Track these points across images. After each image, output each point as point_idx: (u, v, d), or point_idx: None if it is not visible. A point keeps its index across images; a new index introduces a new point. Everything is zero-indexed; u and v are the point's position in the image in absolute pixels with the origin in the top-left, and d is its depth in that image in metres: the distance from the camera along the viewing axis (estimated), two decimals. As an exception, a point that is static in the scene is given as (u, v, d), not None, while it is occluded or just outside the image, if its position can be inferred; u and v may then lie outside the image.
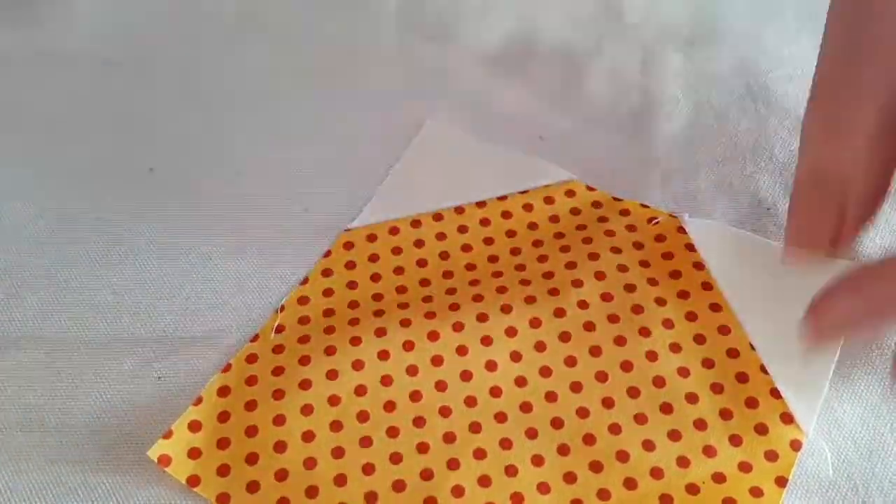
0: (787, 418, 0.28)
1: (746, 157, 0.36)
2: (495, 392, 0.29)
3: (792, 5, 0.43)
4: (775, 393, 0.28)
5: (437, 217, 0.34)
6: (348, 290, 0.32)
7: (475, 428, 0.28)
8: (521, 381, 0.29)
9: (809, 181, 0.27)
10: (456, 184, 0.35)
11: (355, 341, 0.30)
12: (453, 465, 0.27)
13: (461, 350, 0.29)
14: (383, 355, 0.29)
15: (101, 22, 0.41)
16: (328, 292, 0.32)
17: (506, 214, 0.34)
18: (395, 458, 0.27)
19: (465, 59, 0.41)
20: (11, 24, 0.42)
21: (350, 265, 0.32)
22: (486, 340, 0.30)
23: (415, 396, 0.29)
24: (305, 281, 0.32)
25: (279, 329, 0.31)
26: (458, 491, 0.27)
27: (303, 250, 0.33)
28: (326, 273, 0.32)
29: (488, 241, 0.33)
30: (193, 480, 0.27)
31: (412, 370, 0.29)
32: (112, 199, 0.35)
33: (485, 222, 0.34)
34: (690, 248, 0.33)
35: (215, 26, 0.42)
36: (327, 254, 0.33)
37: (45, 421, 0.29)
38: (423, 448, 0.28)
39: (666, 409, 0.28)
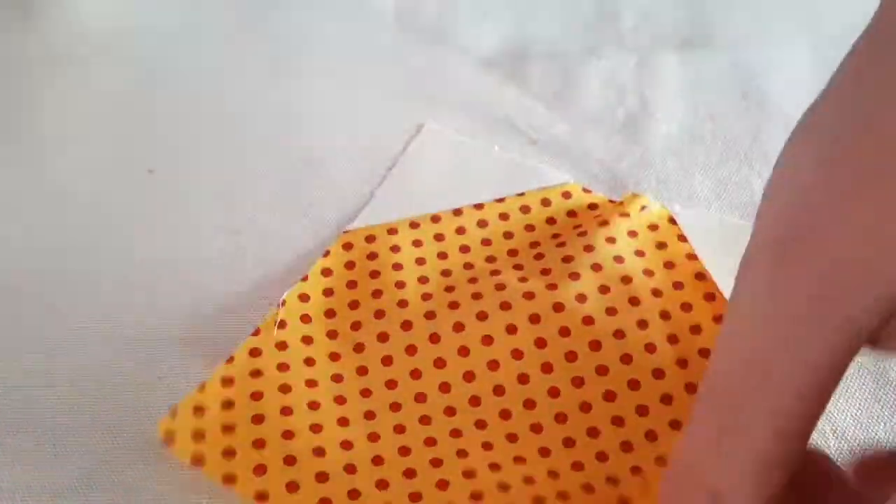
0: None
1: (741, 159, 0.36)
2: (498, 391, 0.29)
3: (786, 8, 0.43)
4: None
5: (435, 219, 0.34)
6: (348, 290, 0.32)
7: (480, 425, 0.28)
8: (523, 379, 0.29)
9: (683, 474, 0.23)
10: (453, 186, 0.35)
11: (359, 348, 0.30)
12: (462, 454, 0.28)
13: (462, 351, 0.30)
14: (387, 361, 0.30)
15: (102, 24, 0.41)
16: (328, 292, 0.32)
17: (503, 216, 0.34)
18: (404, 452, 0.28)
19: (463, 61, 0.41)
20: (10, 25, 0.42)
21: (350, 265, 0.33)
22: (487, 340, 0.30)
23: (419, 398, 0.29)
24: (306, 278, 0.32)
25: (282, 324, 0.31)
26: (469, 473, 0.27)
27: (302, 251, 0.33)
28: (326, 273, 0.33)
29: (486, 242, 0.34)
30: (197, 460, 0.27)
31: (415, 374, 0.29)
32: (111, 200, 0.35)
33: (482, 224, 0.34)
34: (682, 238, 0.33)
35: (214, 27, 0.43)
36: (326, 254, 0.33)
37: (42, 422, 0.29)
38: (430, 442, 0.28)
39: (666, 399, 0.29)
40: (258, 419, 0.28)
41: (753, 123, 0.38)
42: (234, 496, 0.27)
